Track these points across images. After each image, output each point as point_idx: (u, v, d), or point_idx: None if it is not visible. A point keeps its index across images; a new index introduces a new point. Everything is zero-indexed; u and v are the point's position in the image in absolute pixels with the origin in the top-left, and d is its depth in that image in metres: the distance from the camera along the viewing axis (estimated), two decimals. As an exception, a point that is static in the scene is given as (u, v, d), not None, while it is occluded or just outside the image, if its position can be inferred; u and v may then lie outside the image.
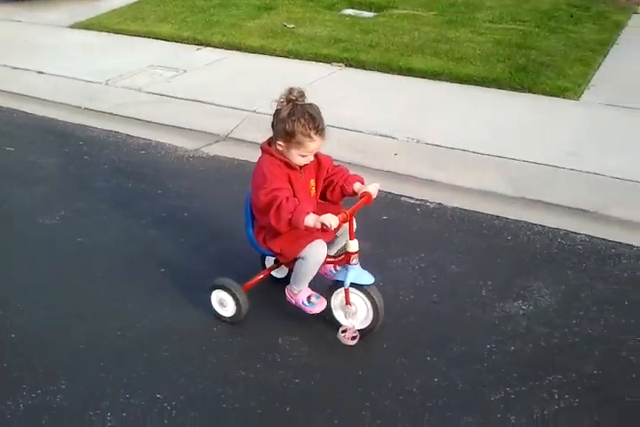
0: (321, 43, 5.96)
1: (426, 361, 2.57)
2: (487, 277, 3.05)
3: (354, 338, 2.64)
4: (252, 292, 2.77)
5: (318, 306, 2.69)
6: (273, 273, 2.98)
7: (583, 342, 2.65)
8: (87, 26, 6.83)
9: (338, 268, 2.79)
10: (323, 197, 2.70)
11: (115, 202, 3.75)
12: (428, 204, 3.73)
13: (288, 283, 2.75)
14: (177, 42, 6.25)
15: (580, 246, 3.31)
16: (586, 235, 3.39)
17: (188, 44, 6.21)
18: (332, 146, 4.25)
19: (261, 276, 2.87)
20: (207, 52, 6.02)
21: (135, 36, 6.45)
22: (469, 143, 4.23)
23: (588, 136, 4.35)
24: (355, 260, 2.61)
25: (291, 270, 2.76)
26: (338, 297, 2.72)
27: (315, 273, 2.65)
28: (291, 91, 2.46)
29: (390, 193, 3.76)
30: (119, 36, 6.51)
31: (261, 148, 2.60)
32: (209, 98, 4.99)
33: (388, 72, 5.47)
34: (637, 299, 2.91)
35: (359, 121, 4.56)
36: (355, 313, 2.68)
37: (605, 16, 6.55)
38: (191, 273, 3.11)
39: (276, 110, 2.50)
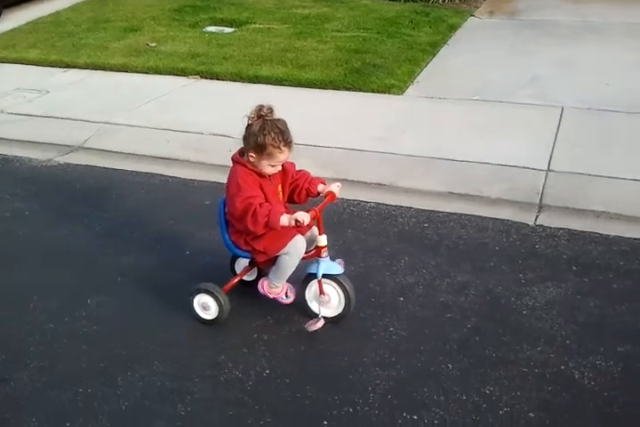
0: (179, 58, 6.60)
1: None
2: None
3: (316, 324, 2.94)
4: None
5: (292, 297, 3.07)
6: (244, 277, 3.24)
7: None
8: (-41, 55, 7.29)
9: None
10: (290, 200, 3.02)
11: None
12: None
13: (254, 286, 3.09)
14: (45, 66, 6.75)
15: (367, 212, 4.01)
16: (375, 202, 4.11)
17: (55, 66, 6.70)
18: (175, 147, 4.96)
19: (238, 278, 3.16)
20: (72, 74, 6.55)
21: (4, 62, 6.94)
22: (295, 136, 4.92)
23: (398, 123, 5.10)
24: (325, 253, 2.93)
25: (259, 273, 3.18)
26: (312, 289, 3.04)
27: (295, 268, 2.95)
28: (260, 108, 2.77)
29: (216, 182, 4.41)
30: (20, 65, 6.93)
31: (232, 159, 2.90)
32: (67, 114, 5.54)
33: (239, 81, 6.13)
34: (398, 247, 3.61)
35: (201, 123, 5.20)
36: (328, 302, 3.01)
37: (443, 20, 7.42)
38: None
39: (248, 125, 2.80)
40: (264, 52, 6.61)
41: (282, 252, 2.90)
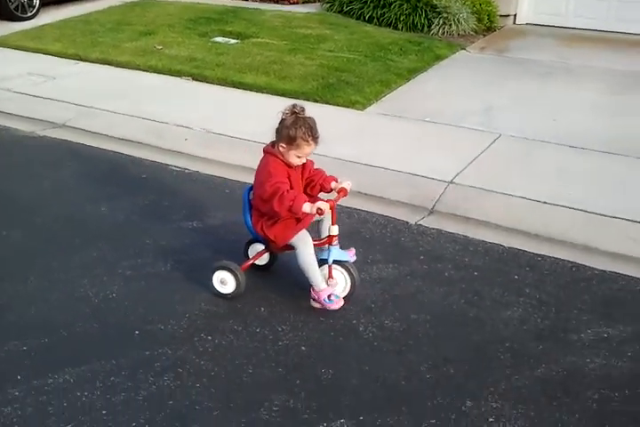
0: (178, 61, 7.47)
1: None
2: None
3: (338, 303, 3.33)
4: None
5: (336, 303, 3.34)
6: (257, 262, 3.66)
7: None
8: (-6, 42, 8.37)
9: None
10: (304, 192, 3.39)
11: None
12: (186, 171, 5.12)
13: (267, 270, 3.67)
14: (61, 57, 7.74)
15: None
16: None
17: (70, 59, 7.68)
18: (140, 132, 5.75)
19: (252, 260, 3.59)
20: (82, 66, 7.49)
21: (29, 51, 7.95)
22: (245, 134, 5.64)
23: (344, 133, 5.75)
24: (335, 241, 3.35)
25: (271, 259, 3.66)
26: (321, 273, 3.39)
27: (316, 264, 3.31)
28: (294, 106, 3.24)
29: (165, 164, 5.18)
30: (16, 51, 8.00)
31: (264, 150, 3.36)
32: (60, 97, 6.42)
33: (224, 85, 6.94)
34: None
35: (171, 115, 5.99)
36: (335, 285, 3.42)
37: (432, 50, 8.08)
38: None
39: (282, 119, 3.25)
40: (254, 62, 7.41)
41: (290, 242, 3.31)
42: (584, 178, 5.01)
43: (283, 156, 3.27)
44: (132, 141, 5.64)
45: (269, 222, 3.32)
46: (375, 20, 9.09)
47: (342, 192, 3.38)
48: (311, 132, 3.20)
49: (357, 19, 9.24)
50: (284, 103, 6.39)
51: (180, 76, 7.17)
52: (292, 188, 3.26)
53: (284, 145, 3.24)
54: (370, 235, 4.19)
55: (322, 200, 3.21)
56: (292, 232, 3.30)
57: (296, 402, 2.69)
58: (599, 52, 8.27)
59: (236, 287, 3.43)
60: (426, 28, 8.81)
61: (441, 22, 8.76)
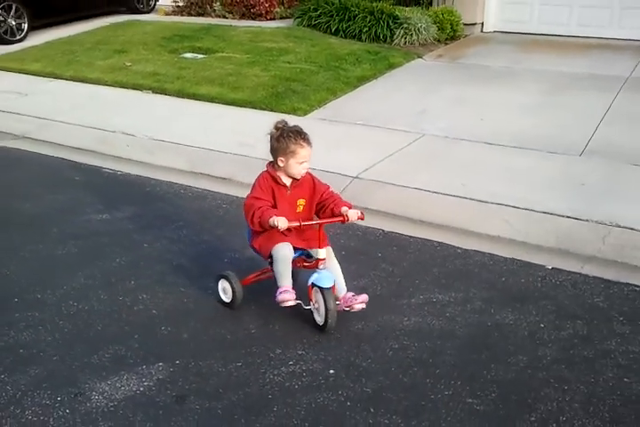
0: (142, 76, 8.17)
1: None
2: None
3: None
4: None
5: (285, 299, 3.34)
6: None
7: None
8: (-22, 64, 9.21)
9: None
10: (318, 215, 3.50)
11: None
12: (118, 173, 5.75)
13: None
14: (38, 76, 8.52)
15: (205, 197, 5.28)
16: (213, 191, 5.37)
17: (46, 77, 8.47)
18: (89, 141, 6.41)
19: (255, 276, 3.65)
20: (56, 83, 8.26)
21: (9, 71, 8.76)
22: (185, 139, 6.27)
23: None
24: (322, 265, 3.37)
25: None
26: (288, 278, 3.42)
27: (287, 271, 3.38)
28: (277, 122, 3.43)
29: (100, 167, 5.82)
30: (15, 74, 8.74)
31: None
32: (25, 111, 7.18)
33: (180, 96, 7.60)
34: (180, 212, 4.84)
35: (118, 125, 6.65)
36: (317, 309, 3.42)
37: (386, 59, 8.62)
38: None
39: (270, 137, 3.40)
40: (212, 75, 8.07)
41: (270, 253, 3.38)
42: (484, 170, 5.47)
43: (285, 170, 3.40)
44: (80, 149, 6.31)
45: (257, 234, 3.47)
46: (341, 32, 9.71)
47: (341, 218, 3.40)
48: (300, 135, 3.36)
49: (324, 32, 9.88)
50: (230, 111, 7.15)
51: (141, 89, 7.87)
52: (275, 205, 3.39)
53: (282, 158, 3.37)
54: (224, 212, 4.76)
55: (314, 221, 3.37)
56: (272, 243, 3.37)
57: (127, 351, 3.23)
58: (551, 56, 8.72)
59: (233, 298, 3.58)
60: (389, 39, 9.39)
61: (402, 33, 9.33)
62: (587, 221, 4.63)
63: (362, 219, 3.48)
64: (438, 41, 9.59)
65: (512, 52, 9.01)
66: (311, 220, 3.48)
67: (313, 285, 3.39)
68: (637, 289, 3.89)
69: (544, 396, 2.95)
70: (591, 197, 4.96)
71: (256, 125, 6.82)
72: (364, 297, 3.46)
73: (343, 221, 3.42)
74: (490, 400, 2.93)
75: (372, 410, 2.86)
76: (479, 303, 3.70)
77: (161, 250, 4.33)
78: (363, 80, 7.95)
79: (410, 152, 5.93)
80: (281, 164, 3.39)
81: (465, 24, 10.05)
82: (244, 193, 5.34)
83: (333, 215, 3.44)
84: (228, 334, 3.38)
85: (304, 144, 3.36)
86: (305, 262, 3.52)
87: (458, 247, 4.37)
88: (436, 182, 5.24)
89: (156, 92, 7.79)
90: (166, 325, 3.46)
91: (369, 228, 4.65)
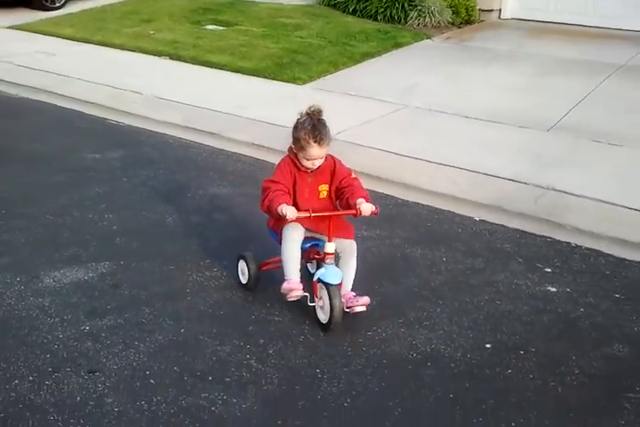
0: (162, 43, 8.91)
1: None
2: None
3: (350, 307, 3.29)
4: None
5: (289, 289, 3.26)
6: (308, 267, 3.71)
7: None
8: (20, 27, 10.07)
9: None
10: (339, 202, 3.40)
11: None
12: (120, 124, 6.49)
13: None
14: (70, 40, 9.36)
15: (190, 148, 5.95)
16: (199, 142, 6.04)
17: (76, 41, 9.30)
18: (101, 96, 7.15)
19: (273, 262, 3.53)
20: (83, 47, 9.07)
21: (46, 35, 9.62)
22: (191, 99, 6.96)
23: (274, 101, 6.95)
24: (329, 260, 3.25)
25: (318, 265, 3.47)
26: (299, 270, 3.33)
27: (293, 258, 3.27)
28: (310, 107, 3.24)
29: (105, 118, 6.56)
30: (35, 34, 9.68)
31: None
32: (50, 69, 7.99)
33: (193, 63, 8.32)
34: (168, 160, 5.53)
35: (130, 84, 7.39)
36: (322, 306, 3.31)
37: (395, 38, 9.15)
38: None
39: (296, 120, 3.29)
40: (226, 45, 8.76)
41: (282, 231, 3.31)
42: (451, 138, 6.01)
43: (297, 157, 3.31)
44: (92, 103, 7.05)
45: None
46: (358, 12, 10.27)
47: (353, 211, 3.26)
48: (313, 134, 3.18)
49: (343, 11, 10.45)
50: (235, 78, 7.82)
51: (159, 55, 8.60)
52: (295, 191, 3.31)
53: (293, 146, 3.31)
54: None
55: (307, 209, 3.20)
56: (284, 223, 3.27)
57: (84, 253, 3.97)
58: (557, 43, 9.12)
59: (248, 280, 3.59)
60: (403, 20, 9.90)
61: (416, 15, 9.83)
62: (526, 184, 5.17)
63: (375, 214, 3.28)
64: (452, 24, 10.05)
65: (520, 38, 9.43)
66: (334, 207, 3.40)
67: (319, 280, 3.28)
68: (549, 240, 4.42)
69: (418, 307, 3.56)
70: (540, 166, 5.46)
71: (254, 91, 7.63)
72: (366, 300, 3.35)
73: (355, 215, 3.27)
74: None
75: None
76: (397, 240, 4.30)
77: (136, 184, 5.05)
78: (367, 56, 8.51)
79: (388, 120, 6.50)
80: (294, 150, 3.31)
81: (482, 10, 10.49)
82: (227, 146, 6.20)
83: (349, 207, 3.31)
84: (169, 247, 4.06)
85: (313, 144, 3.20)
86: (316, 255, 3.44)
87: (400, 198, 4.96)
88: (401, 146, 5.81)
89: (173, 59, 8.51)
90: (122, 237, 4.17)
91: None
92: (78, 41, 9.29)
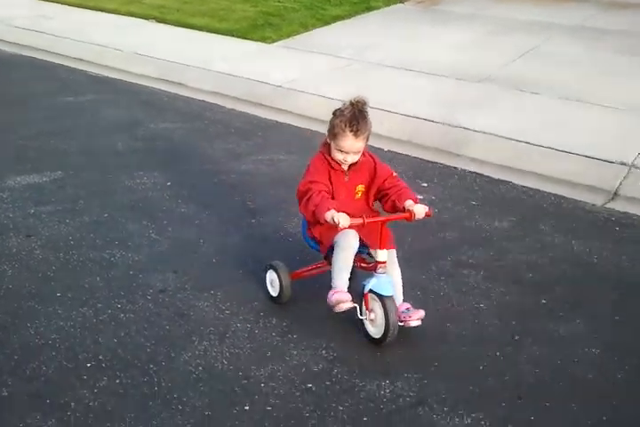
0: (151, 8, 9.88)
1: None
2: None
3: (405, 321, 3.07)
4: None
5: (340, 300, 3.03)
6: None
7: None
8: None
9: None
10: (382, 205, 3.21)
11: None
12: (99, 75, 7.49)
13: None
14: (67, 5, 10.39)
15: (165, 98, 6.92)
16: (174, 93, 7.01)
17: (76, 7, 10.33)
18: (84, 52, 8.15)
19: (308, 270, 3.37)
20: (79, 11, 10.11)
21: (57, 3, 10.64)
22: (166, 56, 7.91)
23: (239, 56, 7.87)
24: (381, 269, 3.03)
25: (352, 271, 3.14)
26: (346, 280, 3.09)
27: (347, 267, 3.06)
28: (356, 97, 3.07)
29: (84, 70, 7.57)
30: (51, 3, 10.72)
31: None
32: (46, 30, 9.03)
33: (176, 25, 9.27)
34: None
35: (114, 43, 8.38)
36: (373, 320, 3.09)
37: (367, 2, 9.96)
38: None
39: (337, 108, 3.09)
40: (207, 9, 9.71)
41: (333, 240, 3.08)
42: (388, 87, 6.83)
43: (330, 151, 3.12)
44: (77, 59, 8.10)
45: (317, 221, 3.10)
46: (338, -22, 11.08)
47: (407, 214, 3.06)
48: (350, 123, 3.00)
49: (323, -22, 11.26)
50: (210, 38, 8.77)
51: (147, 19, 9.57)
52: (333, 192, 3.11)
53: (328, 137, 3.13)
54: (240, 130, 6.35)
55: (371, 216, 3.05)
56: (334, 232, 3.06)
57: (43, 166, 4.93)
58: (524, 6, 9.78)
59: (280, 292, 3.36)
60: (382, -14, 10.70)
61: (392, -20, 10.61)
62: (439, 123, 6.03)
63: (429, 215, 3.10)
64: (430, -10, 10.83)
65: (488, 2, 10.16)
66: (370, 208, 3.24)
67: (370, 291, 3.09)
68: (440, 165, 5.31)
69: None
70: (457, 109, 6.28)
71: (225, 49, 8.60)
72: (421, 314, 3.15)
73: (409, 219, 3.06)
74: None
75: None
76: (295, 157, 5.24)
77: (99, 119, 6.12)
78: (337, 19, 9.36)
79: (337, 73, 7.39)
80: (328, 140, 3.14)
81: (459, -24, 11.20)
82: (187, 93, 7.14)
83: (396, 209, 3.13)
84: (111, 162, 5.07)
85: (348, 134, 3.02)
86: (363, 263, 3.22)
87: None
88: (339, 93, 6.62)
89: (159, 22, 9.48)
90: (77, 156, 5.22)
91: (274, 121, 6.22)
92: (78, 7, 10.31)
